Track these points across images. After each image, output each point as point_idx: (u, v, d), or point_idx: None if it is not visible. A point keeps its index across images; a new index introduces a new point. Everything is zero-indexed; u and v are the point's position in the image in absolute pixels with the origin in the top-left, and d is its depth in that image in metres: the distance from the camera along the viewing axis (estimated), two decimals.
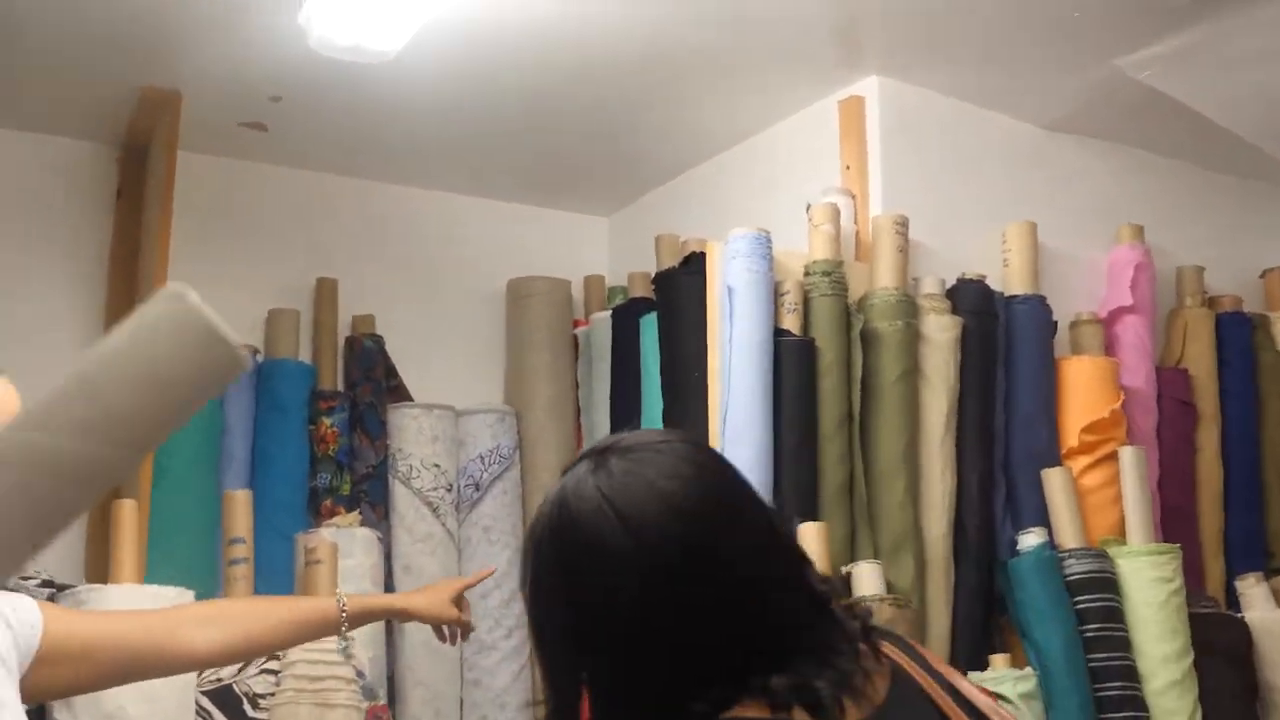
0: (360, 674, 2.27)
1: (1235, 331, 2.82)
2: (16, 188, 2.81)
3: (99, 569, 2.43)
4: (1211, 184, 2.99)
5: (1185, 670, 2.34)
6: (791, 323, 2.28)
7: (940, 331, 2.36)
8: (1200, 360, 2.77)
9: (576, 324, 3.23)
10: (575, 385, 3.17)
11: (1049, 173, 2.75)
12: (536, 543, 1.22)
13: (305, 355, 2.98)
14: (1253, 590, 2.66)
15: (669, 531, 1.15)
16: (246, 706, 2.21)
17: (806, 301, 2.31)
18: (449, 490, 2.96)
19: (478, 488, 3.01)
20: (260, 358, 2.92)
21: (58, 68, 2.56)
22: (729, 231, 2.46)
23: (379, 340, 3.03)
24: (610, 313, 3.05)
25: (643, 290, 3.09)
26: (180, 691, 2.13)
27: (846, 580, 2.16)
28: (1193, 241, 2.89)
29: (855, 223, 2.46)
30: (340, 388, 2.98)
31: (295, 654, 2.22)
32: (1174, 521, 2.59)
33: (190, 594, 2.23)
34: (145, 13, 2.35)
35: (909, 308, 2.35)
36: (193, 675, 2.18)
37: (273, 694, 2.22)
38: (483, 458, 3.03)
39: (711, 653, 1.15)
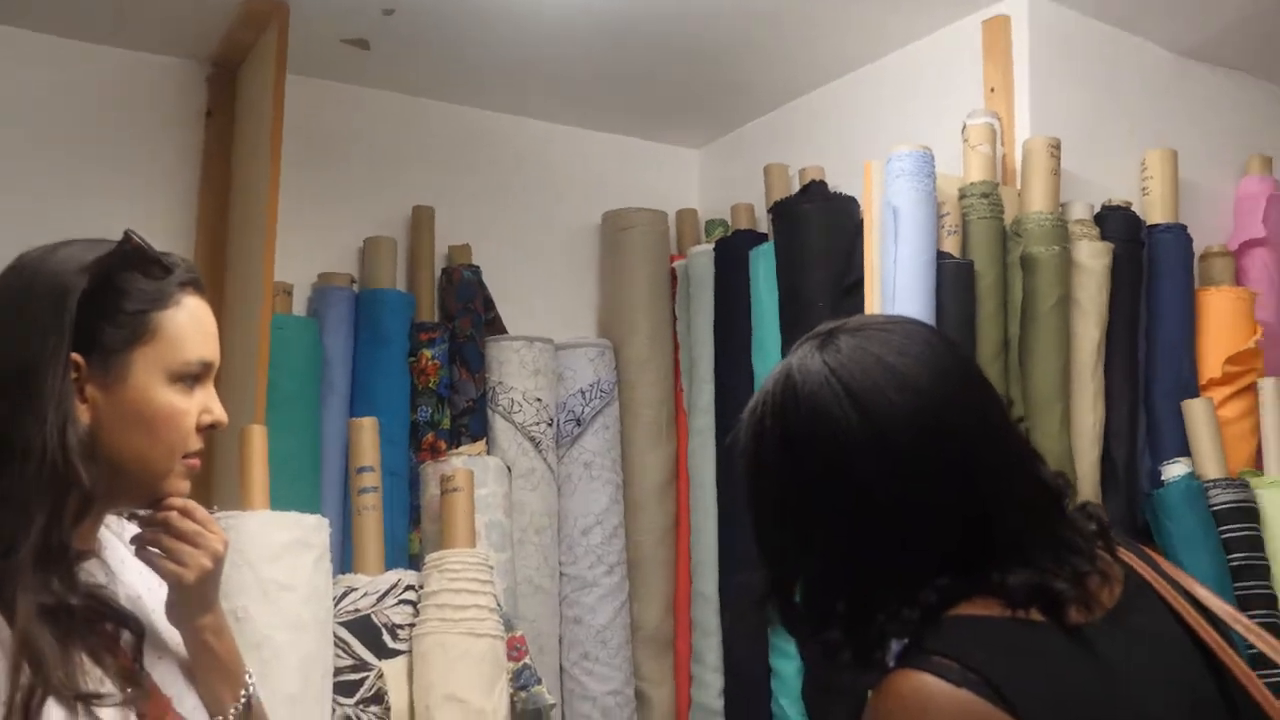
0: (499, 603, 2.21)
1: None
2: (105, 102, 2.70)
3: (220, 495, 2.35)
4: None
5: None
6: (951, 245, 2.22)
7: (1093, 258, 2.30)
8: None
9: (672, 258, 3.16)
10: (673, 319, 3.10)
11: (1181, 100, 2.69)
12: (759, 417, 1.18)
13: (401, 285, 2.89)
14: None
15: (898, 405, 1.11)
16: (386, 637, 2.14)
17: (964, 224, 2.24)
18: (550, 425, 2.89)
19: (579, 423, 2.94)
20: (357, 287, 2.84)
21: None
22: (855, 156, 2.39)
23: (477, 271, 2.94)
24: (713, 246, 2.98)
25: (746, 223, 3.03)
26: (322, 623, 2.06)
27: None
28: None
29: (1002, 145, 2.39)
30: (436, 319, 2.90)
31: (436, 583, 2.16)
32: None
33: (326, 521, 2.16)
34: None
35: (1063, 233, 2.29)
36: (331, 605, 2.11)
37: (413, 624, 2.15)
38: (583, 392, 2.96)
39: (940, 537, 1.11)
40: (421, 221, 2.93)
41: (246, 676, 1.39)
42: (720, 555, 2.80)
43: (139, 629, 1.28)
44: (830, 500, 1.13)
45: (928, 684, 1.05)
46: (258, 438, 2.16)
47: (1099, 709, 1.08)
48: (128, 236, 1.32)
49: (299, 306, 2.78)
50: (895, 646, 1.13)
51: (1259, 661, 1.24)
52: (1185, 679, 1.14)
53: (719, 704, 2.75)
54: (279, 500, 2.21)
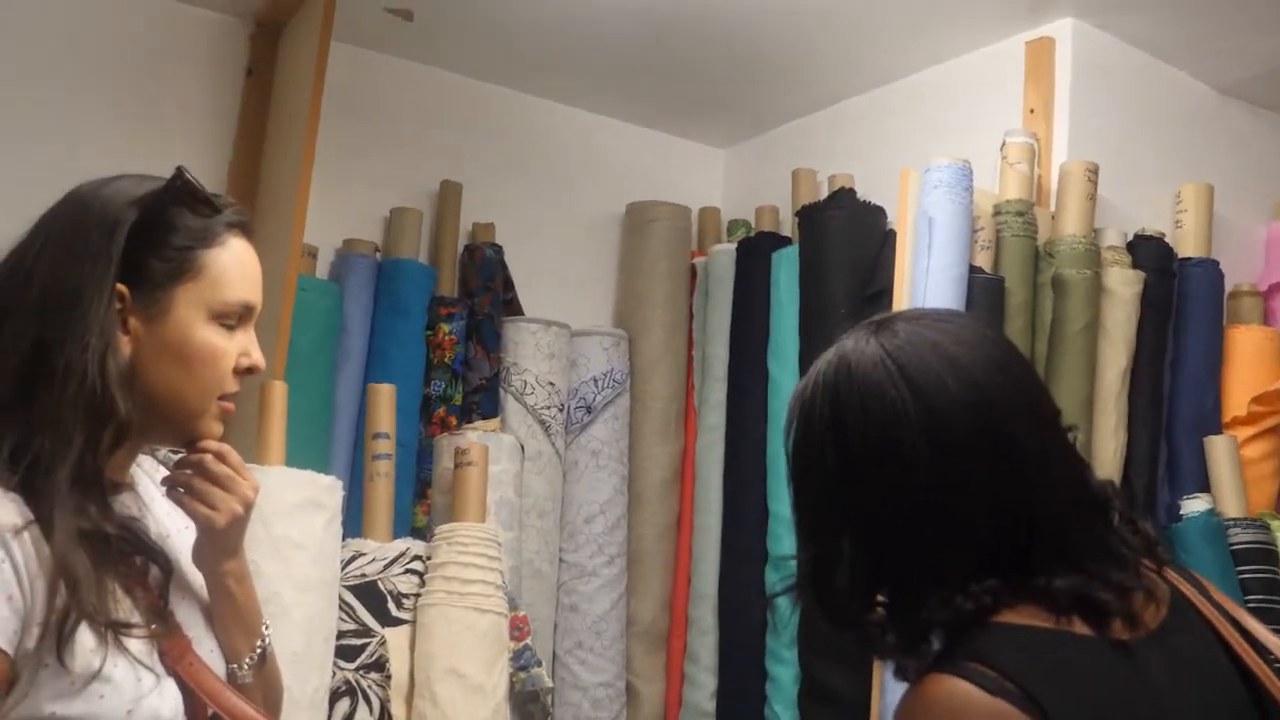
0: (505, 581, 2.19)
1: None
2: (147, 54, 2.68)
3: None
4: None
5: None
6: (984, 260, 2.22)
7: (1124, 285, 2.30)
8: None
9: (693, 254, 3.15)
10: (690, 315, 3.09)
11: (1217, 136, 2.70)
12: (809, 397, 1.17)
13: (424, 258, 2.88)
14: None
15: (953, 391, 1.10)
16: (391, 605, 2.12)
17: (997, 241, 2.24)
18: (560, 410, 2.88)
19: (589, 410, 2.93)
20: (380, 256, 2.82)
21: None
22: (887, 166, 2.40)
23: (499, 250, 2.93)
24: (735, 245, 2.97)
25: (770, 225, 3.03)
26: (329, 584, 2.04)
27: None
28: None
29: (1037, 166, 2.39)
30: (456, 294, 2.89)
31: (444, 555, 2.14)
32: None
33: (340, 483, 2.14)
34: None
35: (1095, 257, 2.29)
36: (339, 568, 2.10)
37: (418, 594, 2.14)
38: (596, 380, 2.95)
39: (985, 529, 1.10)
40: (448, 196, 2.92)
41: (263, 628, 1.38)
42: (722, 556, 2.79)
43: (167, 566, 1.28)
44: (878, 482, 1.12)
45: (963, 689, 1.04)
46: (278, 394, 2.15)
47: None
48: (179, 173, 1.31)
49: (322, 270, 2.77)
50: (936, 642, 1.12)
51: None
52: (1227, 706, 1.13)
53: (711, 705, 2.73)
54: (288, 459, 2.20)
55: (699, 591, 2.83)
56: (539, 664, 2.18)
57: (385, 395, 2.31)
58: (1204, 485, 2.36)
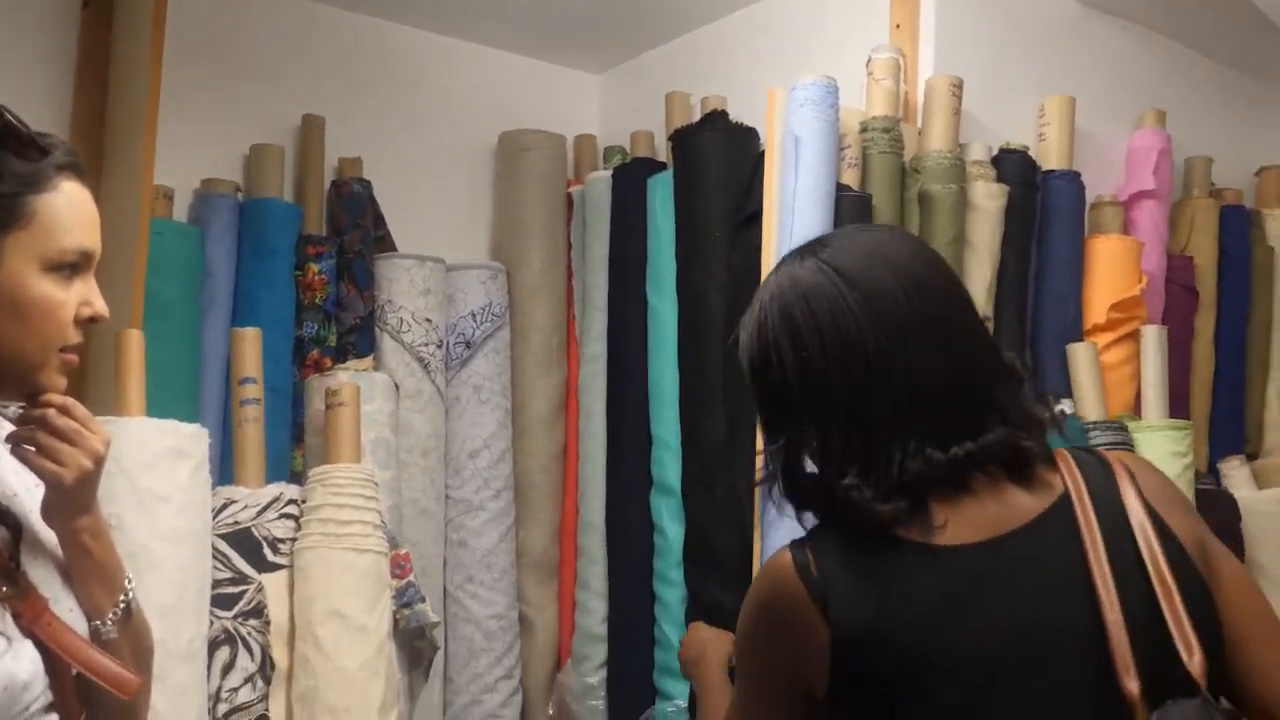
0: (383, 520, 2.17)
1: (1236, 224, 2.87)
2: None
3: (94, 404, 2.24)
4: (1224, 80, 3.02)
5: None
6: (851, 178, 2.22)
7: (989, 200, 2.32)
8: (1204, 249, 2.81)
9: (569, 184, 3.11)
10: (568, 245, 3.06)
11: (1082, 50, 2.72)
12: (759, 313, 1.31)
13: (288, 196, 2.79)
14: (1236, 472, 2.76)
15: (883, 278, 1.26)
16: (266, 551, 2.08)
17: (864, 158, 2.25)
18: (439, 346, 2.84)
19: (469, 345, 2.89)
20: (242, 196, 2.73)
21: None
22: (759, 87, 2.37)
23: (367, 185, 2.85)
24: (610, 172, 2.94)
25: (646, 151, 3.00)
26: (200, 534, 1.99)
27: None
28: (1203, 134, 2.91)
29: (904, 82, 2.39)
30: (325, 233, 2.81)
31: (319, 498, 2.11)
32: (1171, 401, 2.63)
33: (205, 431, 2.08)
34: None
35: (961, 172, 2.31)
36: (210, 516, 2.05)
37: (294, 538, 2.10)
38: (475, 315, 2.91)
39: (929, 395, 1.23)
40: (311, 131, 2.83)
41: (126, 582, 1.34)
42: (608, 483, 2.79)
43: (15, 526, 1.23)
44: (831, 367, 1.25)
45: (784, 559, 1.25)
46: (134, 342, 2.08)
47: (923, 633, 1.18)
48: None
49: (180, 213, 2.67)
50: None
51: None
52: (1049, 621, 1.19)
53: (602, 630, 2.75)
54: (156, 414, 2.12)
55: (587, 520, 2.84)
56: (423, 600, 2.16)
57: (250, 339, 2.25)
58: (1068, 392, 2.42)
